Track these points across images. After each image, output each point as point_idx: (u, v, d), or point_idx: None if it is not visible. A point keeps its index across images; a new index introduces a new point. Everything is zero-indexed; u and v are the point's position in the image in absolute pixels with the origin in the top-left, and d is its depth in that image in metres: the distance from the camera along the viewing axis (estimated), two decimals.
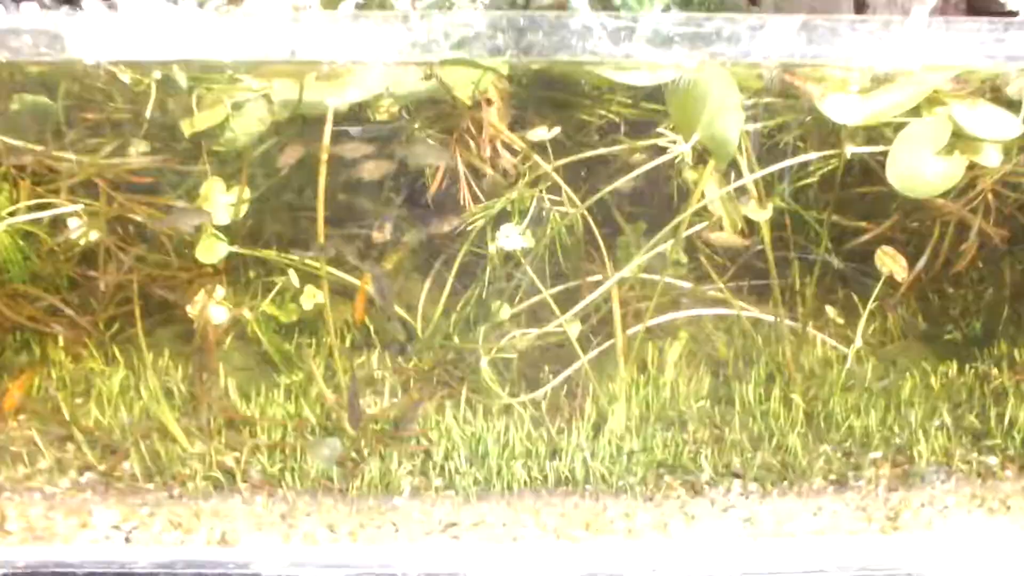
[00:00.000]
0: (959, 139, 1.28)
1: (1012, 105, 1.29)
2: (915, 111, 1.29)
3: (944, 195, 1.36)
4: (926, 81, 1.25)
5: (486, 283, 1.53)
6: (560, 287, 1.53)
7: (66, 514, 1.40)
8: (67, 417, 1.47)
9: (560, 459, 1.45)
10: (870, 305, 1.48)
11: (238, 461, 1.44)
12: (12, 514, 1.40)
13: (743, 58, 1.17)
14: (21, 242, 1.35)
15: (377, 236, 1.48)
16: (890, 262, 1.45)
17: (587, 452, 1.45)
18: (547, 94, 1.40)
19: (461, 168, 1.41)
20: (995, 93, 1.30)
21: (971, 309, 1.64)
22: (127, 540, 1.38)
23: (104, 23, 1.23)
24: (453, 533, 1.38)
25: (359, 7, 2.05)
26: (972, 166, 1.31)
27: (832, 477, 1.45)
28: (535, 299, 1.52)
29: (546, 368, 1.53)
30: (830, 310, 1.52)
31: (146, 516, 1.40)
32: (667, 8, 1.52)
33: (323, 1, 2.00)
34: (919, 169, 1.26)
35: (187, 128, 1.40)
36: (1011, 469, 1.44)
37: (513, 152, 1.40)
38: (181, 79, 1.37)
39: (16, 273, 1.35)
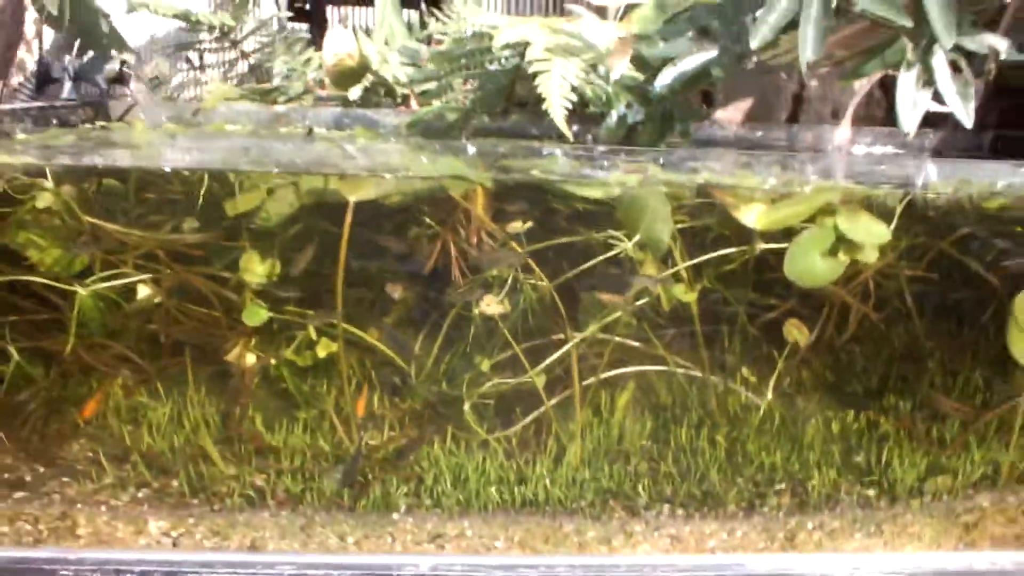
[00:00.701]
0: (843, 241, 1.63)
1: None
2: (811, 218, 1.65)
3: (836, 282, 1.71)
4: (817, 197, 1.61)
5: (470, 340, 1.85)
6: (530, 344, 1.84)
7: (125, 523, 1.59)
8: (127, 443, 1.72)
9: (526, 485, 1.67)
10: (780, 365, 1.82)
11: (267, 482, 1.65)
12: (82, 522, 1.59)
13: (675, 177, 1.52)
14: (100, 303, 1.66)
15: (391, 292, 1.78)
16: (795, 332, 1.79)
17: (548, 480, 1.68)
18: (523, 194, 1.73)
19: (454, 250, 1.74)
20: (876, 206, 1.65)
21: (869, 369, 1.97)
22: (175, 545, 1.57)
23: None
24: (439, 543, 1.60)
25: (366, 91, 2.39)
26: (855, 262, 1.66)
27: (744, 504, 1.71)
28: (509, 354, 1.81)
29: (517, 410, 1.74)
30: (745, 370, 1.86)
31: (191, 525, 1.59)
32: (629, 105, 1.84)
33: (334, 80, 2.32)
34: (808, 267, 1.61)
35: (230, 209, 1.67)
36: (884, 500, 1.74)
37: (494, 238, 1.74)
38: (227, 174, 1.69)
39: (95, 328, 1.65)
